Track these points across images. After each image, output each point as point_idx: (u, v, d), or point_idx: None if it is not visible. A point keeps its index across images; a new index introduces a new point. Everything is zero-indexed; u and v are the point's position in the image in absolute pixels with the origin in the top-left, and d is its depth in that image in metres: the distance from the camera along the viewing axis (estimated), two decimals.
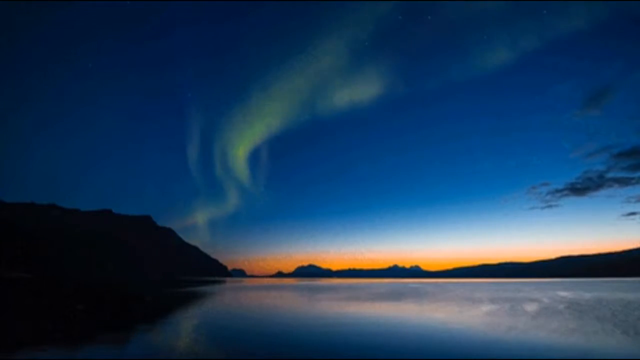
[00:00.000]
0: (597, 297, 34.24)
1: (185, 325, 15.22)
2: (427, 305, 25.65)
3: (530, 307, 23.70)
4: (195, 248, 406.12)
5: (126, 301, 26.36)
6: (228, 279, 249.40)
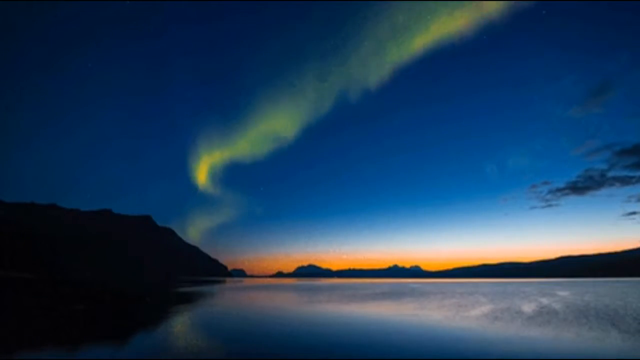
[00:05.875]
0: (597, 297, 34.25)
1: (185, 325, 15.24)
2: (426, 305, 25.66)
3: (530, 307, 23.72)
4: (195, 248, 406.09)
5: (126, 301, 26.37)
6: (228, 279, 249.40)
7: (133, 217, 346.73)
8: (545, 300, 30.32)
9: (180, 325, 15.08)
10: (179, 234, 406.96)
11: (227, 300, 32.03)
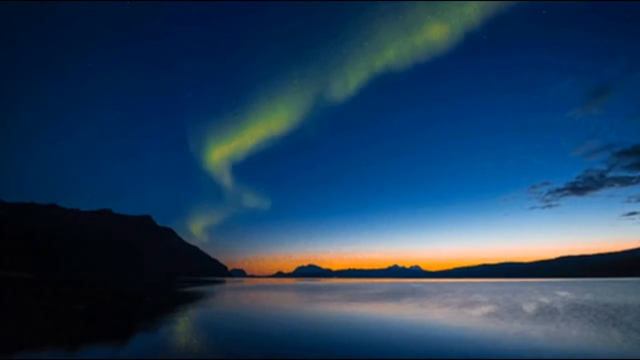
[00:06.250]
0: (597, 297, 34.24)
1: (185, 325, 15.24)
2: (426, 305, 25.65)
3: (530, 307, 23.71)
4: (195, 248, 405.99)
5: (126, 301, 26.36)
6: (228, 279, 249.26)
7: (133, 217, 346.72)
8: (545, 300, 30.31)
9: (180, 325, 15.07)
10: (179, 234, 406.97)
11: (227, 300, 32.01)
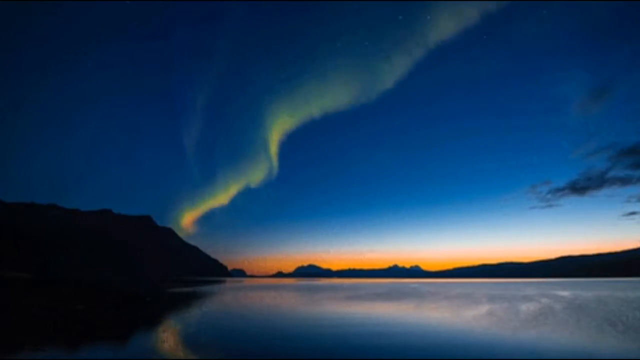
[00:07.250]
0: (597, 297, 34.24)
1: (185, 325, 15.23)
2: (427, 305, 25.65)
3: (530, 307, 23.70)
4: (195, 248, 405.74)
5: (126, 301, 26.36)
6: (228, 279, 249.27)
7: (133, 217, 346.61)
8: (545, 300, 30.31)
9: (180, 325, 15.07)
10: (179, 234, 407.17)
11: (227, 300, 32.01)
